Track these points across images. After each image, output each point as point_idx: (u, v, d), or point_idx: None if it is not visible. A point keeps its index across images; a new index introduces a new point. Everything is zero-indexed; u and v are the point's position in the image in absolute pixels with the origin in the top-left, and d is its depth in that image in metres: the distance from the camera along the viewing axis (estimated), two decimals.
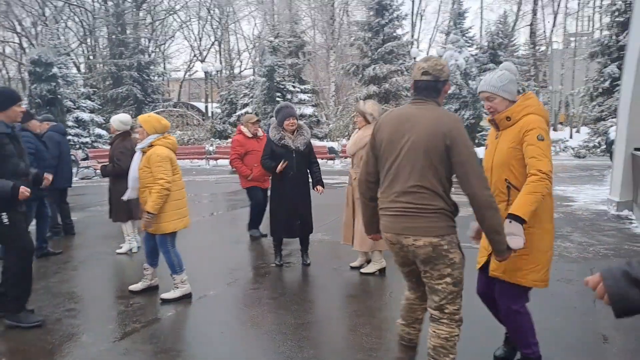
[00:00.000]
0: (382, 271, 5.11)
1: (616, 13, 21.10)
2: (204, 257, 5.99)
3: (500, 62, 22.24)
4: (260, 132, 6.63)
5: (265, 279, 5.19)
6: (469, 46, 18.66)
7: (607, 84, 21.21)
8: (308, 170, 5.44)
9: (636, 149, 7.85)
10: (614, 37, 21.24)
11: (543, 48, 37.39)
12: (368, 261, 5.27)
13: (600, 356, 3.37)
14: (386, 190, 2.54)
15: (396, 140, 2.48)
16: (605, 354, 3.40)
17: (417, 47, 25.56)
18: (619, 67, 17.19)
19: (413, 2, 37.94)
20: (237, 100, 22.59)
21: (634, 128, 8.02)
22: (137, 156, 4.38)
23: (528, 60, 27.48)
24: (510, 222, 2.55)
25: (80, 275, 5.37)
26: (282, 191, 5.26)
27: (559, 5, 37.58)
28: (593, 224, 7.47)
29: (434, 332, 2.54)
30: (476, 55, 19.61)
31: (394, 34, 22.81)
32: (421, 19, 40.42)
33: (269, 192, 5.73)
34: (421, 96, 2.52)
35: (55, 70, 17.21)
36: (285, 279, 5.14)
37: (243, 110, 19.88)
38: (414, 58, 23.12)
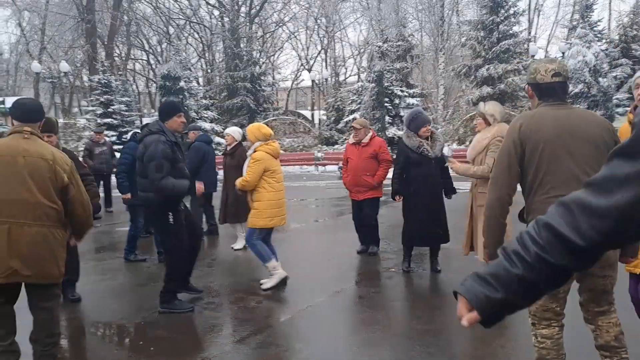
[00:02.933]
0: None
1: None
2: (324, 259, 6.14)
3: (635, 57, 20.17)
4: (366, 139, 5.88)
5: (386, 283, 5.18)
6: (597, 41, 17.08)
7: None
8: None
9: None
10: None
11: None
12: None
13: None
14: (560, 198, 2.34)
15: (566, 143, 2.33)
16: None
17: (535, 44, 23.93)
18: None
19: None
20: (345, 107, 22.88)
21: None
22: (247, 160, 4.91)
23: None
24: None
25: (214, 272, 5.77)
26: (421, 199, 5.12)
27: None
28: None
29: (610, 322, 2.46)
30: (606, 50, 17.90)
31: (510, 32, 21.63)
32: (539, 15, 37.93)
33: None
34: (560, 99, 2.43)
35: (182, 83, 18.77)
36: (405, 285, 5.09)
37: (351, 117, 20.07)
38: (532, 56, 21.74)
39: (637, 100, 2.67)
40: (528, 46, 22.59)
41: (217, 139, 21.70)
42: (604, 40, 20.34)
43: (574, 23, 22.28)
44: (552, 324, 2.50)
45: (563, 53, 20.72)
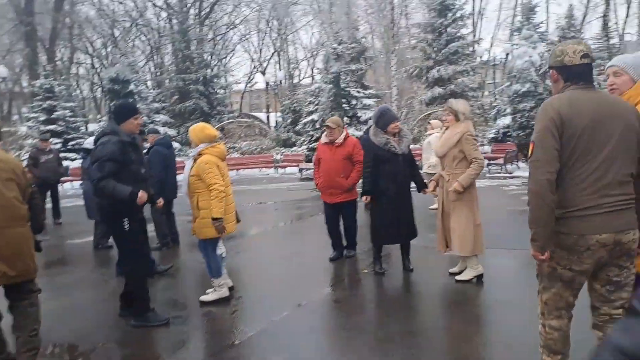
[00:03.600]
0: (479, 278, 4.85)
1: None
2: (293, 264, 5.98)
3: None
4: (340, 139, 5.62)
5: (359, 285, 5.08)
6: (541, 42, 17.80)
7: None
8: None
9: None
10: None
11: (614, 40, 35.05)
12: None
13: None
14: (591, 184, 2.24)
15: (604, 127, 2.23)
16: None
17: (480, 46, 24.82)
18: None
19: (474, 0, 36.92)
20: (302, 109, 22.73)
21: None
22: (189, 163, 4.52)
23: (602, 53, 25.82)
24: None
25: (178, 283, 5.48)
26: (389, 196, 5.05)
27: None
28: None
29: None
30: (548, 51, 18.70)
31: (458, 34, 22.25)
32: (481, 18, 39.26)
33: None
34: (588, 82, 2.34)
35: (132, 87, 18.04)
36: (381, 286, 5.00)
37: (309, 118, 19.92)
38: (479, 57, 22.42)
39: (608, 87, 2.69)
40: (474, 48, 23.30)
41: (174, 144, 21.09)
42: (545, 42, 21.25)
43: (518, 25, 23.09)
44: (563, 314, 2.44)
45: (507, 54, 21.46)
